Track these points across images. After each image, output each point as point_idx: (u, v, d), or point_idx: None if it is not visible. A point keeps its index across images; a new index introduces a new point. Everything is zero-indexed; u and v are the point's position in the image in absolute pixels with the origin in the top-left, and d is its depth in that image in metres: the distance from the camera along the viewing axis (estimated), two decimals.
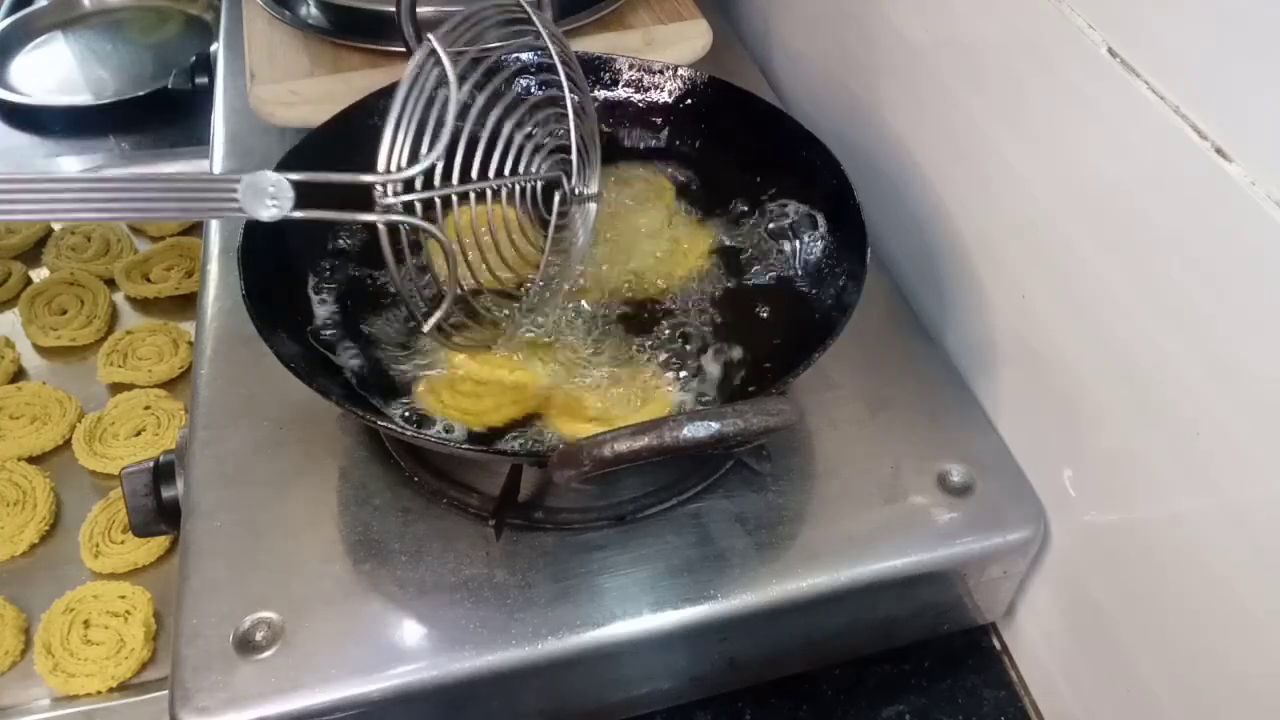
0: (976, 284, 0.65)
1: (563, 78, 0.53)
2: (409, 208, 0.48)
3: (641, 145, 0.73)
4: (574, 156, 0.54)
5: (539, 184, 0.54)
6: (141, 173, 0.48)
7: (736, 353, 0.60)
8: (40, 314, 0.92)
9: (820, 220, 0.66)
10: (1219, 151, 0.43)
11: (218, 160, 0.84)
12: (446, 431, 0.55)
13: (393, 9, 0.68)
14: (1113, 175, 0.50)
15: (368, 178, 0.47)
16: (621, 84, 0.74)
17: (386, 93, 0.68)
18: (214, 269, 0.73)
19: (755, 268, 0.65)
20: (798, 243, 0.66)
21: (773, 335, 0.61)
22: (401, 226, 0.48)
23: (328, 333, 0.60)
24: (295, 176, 0.46)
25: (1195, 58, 0.44)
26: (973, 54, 0.62)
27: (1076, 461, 0.58)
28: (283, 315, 0.57)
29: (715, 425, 0.44)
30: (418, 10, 0.69)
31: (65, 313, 0.93)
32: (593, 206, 0.56)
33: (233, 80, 0.90)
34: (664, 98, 0.74)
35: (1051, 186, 0.56)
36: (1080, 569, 0.59)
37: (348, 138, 0.65)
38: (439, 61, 0.48)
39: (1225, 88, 0.43)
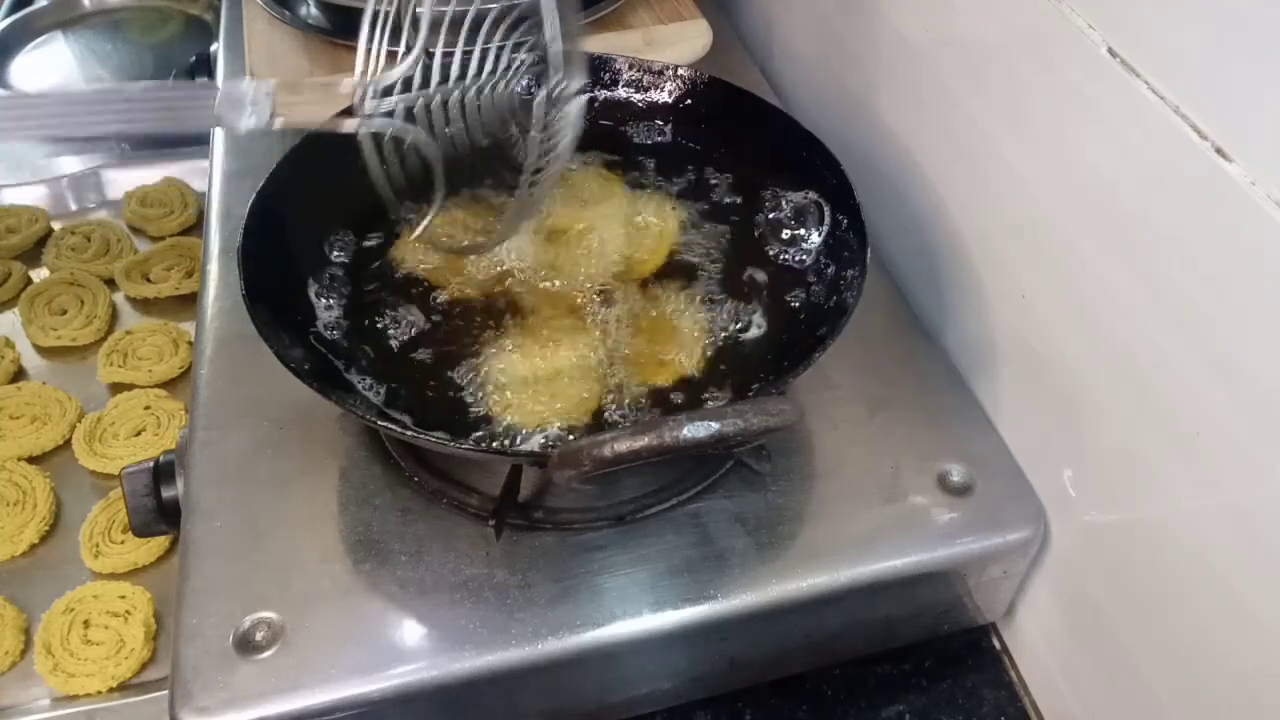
0: (976, 284, 0.65)
1: None
2: (391, 114, 0.46)
3: (641, 144, 0.73)
4: (552, 43, 0.50)
5: (522, 82, 0.51)
6: (118, 86, 0.48)
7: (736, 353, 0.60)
8: (40, 314, 0.92)
9: (820, 220, 0.66)
10: (1219, 151, 0.43)
11: (218, 160, 0.84)
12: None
13: None
14: (1113, 175, 0.50)
15: (343, 79, 0.46)
16: (621, 84, 0.74)
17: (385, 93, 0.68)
18: (214, 269, 0.73)
19: (754, 268, 0.65)
20: (797, 243, 0.66)
21: (772, 335, 0.61)
22: (383, 133, 0.47)
23: (328, 332, 0.60)
24: (274, 83, 0.45)
25: (1195, 58, 0.44)
26: (973, 54, 0.62)
27: (1076, 461, 0.58)
28: (283, 315, 0.57)
29: (715, 425, 0.44)
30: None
31: (65, 313, 0.93)
32: (575, 107, 0.52)
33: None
34: (664, 98, 0.74)
35: (1051, 186, 0.56)
36: (1080, 569, 0.59)
37: (348, 137, 0.65)
38: None
39: (1225, 88, 0.43)
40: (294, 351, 0.55)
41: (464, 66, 0.49)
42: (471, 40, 0.49)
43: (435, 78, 0.47)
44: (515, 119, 0.52)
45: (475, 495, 0.59)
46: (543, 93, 0.50)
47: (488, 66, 0.49)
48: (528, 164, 0.51)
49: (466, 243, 0.54)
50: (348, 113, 0.47)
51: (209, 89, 0.44)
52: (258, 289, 0.54)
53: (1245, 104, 0.42)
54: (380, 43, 0.46)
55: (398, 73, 0.46)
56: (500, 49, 0.50)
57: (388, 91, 0.47)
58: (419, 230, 0.50)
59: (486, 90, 0.49)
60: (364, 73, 0.46)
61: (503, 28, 0.50)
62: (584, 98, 0.51)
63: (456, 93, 0.48)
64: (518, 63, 0.51)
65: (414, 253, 0.64)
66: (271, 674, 0.51)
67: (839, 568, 0.56)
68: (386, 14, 0.46)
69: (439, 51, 0.48)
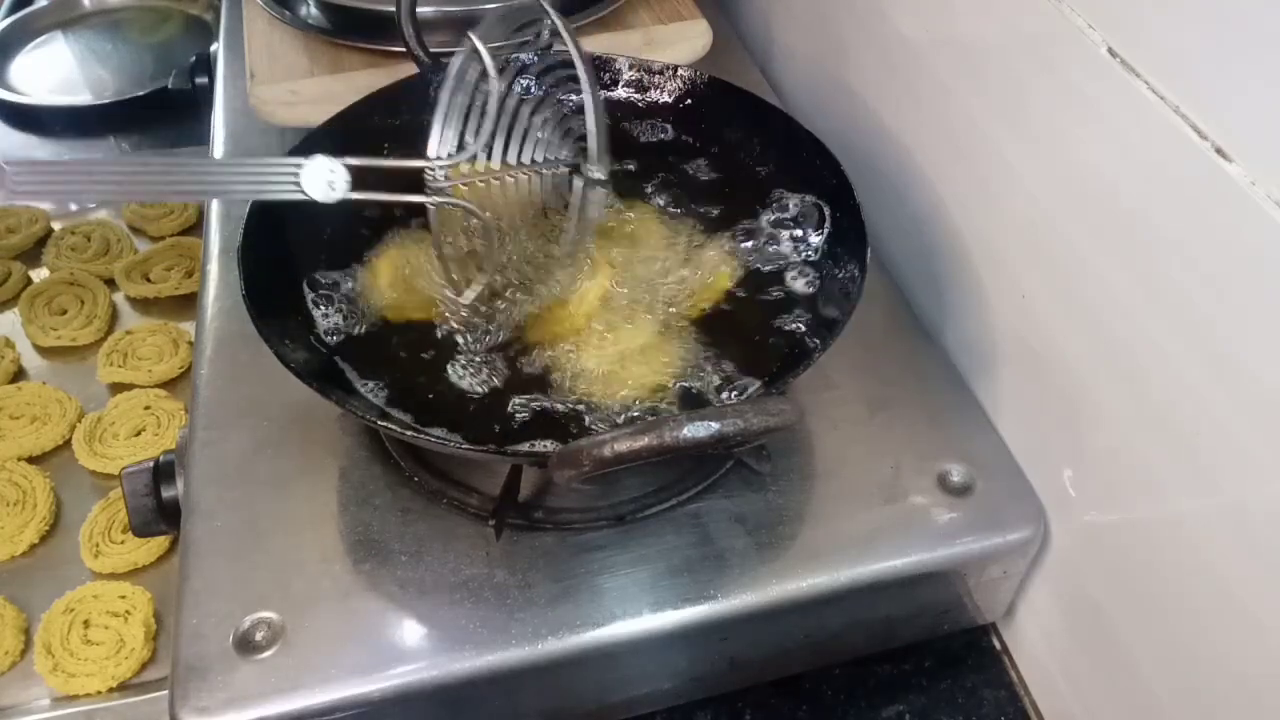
0: (976, 284, 0.65)
1: (583, 78, 0.57)
2: (454, 190, 0.52)
3: (641, 144, 0.73)
4: (591, 143, 0.59)
5: (563, 171, 0.58)
6: (213, 159, 0.54)
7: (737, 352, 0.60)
8: (40, 314, 0.92)
9: (820, 220, 0.66)
10: (1219, 151, 0.43)
11: None
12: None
13: (393, 9, 0.68)
14: (1113, 175, 0.50)
15: (419, 163, 0.52)
16: (621, 84, 0.75)
17: (386, 93, 0.69)
18: (214, 269, 0.73)
19: (755, 268, 0.65)
20: (797, 243, 0.66)
21: (772, 335, 0.61)
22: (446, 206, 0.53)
23: (328, 333, 0.60)
24: (353, 161, 0.50)
25: (1195, 58, 0.44)
26: (973, 54, 0.62)
27: (1076, 461, 0.58)
28: (282, 315, 0.57)
29: (715, 425, 0.44)
30: (418, 11, 0.69)
31: (65, 313, 0.93)
32: (602, 191, 0.61)
33: (233, 80, 0.90)
34: (664, 98, 0.74)
35: (1051, 186, 0.56)
36: (1080, 569, 0.59)
37: (347, 137, 0.65)
38: (479, 59, 0.53)
39: (1225, 88, 0.43)
40: (293, 351, 0.55)
41: (519, 150, 0.56)
42: (523, 127, 0.56)
43: (497, 157, 0.54)
44: (551, 202, 0.59)
45: (475, 495, 0.59)
46: (579, 181, 0.59)
47: (538, 151, 0.56)
48: (563, 248, 0.60)
49: (501, 317, 0.60)
50: (418, 187, 0.52)
51: (295, 163, 0.49)
52: (258, 289, 0.54)
53: (1245, 104, 0.42)
54: (452, 129, 0.52)
55: (466, 155, 0.52)
56: (549, 140, 0.57)
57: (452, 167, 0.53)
58: (469, 294, 0.56)
59: (535, 177, 0.56)
60: (435, 150, 0.52)
61: (552, 119, 0.58)
62: (607, 189, 0.61)
63: (510, 178, 0.55)
64: (560, 152, 0.58)
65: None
66: (271, 674, 0.51)
67: (839, 568, 0.56)
68: (461, 103, 0.53)
69: (500, 136, 0.54)
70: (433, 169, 0.52)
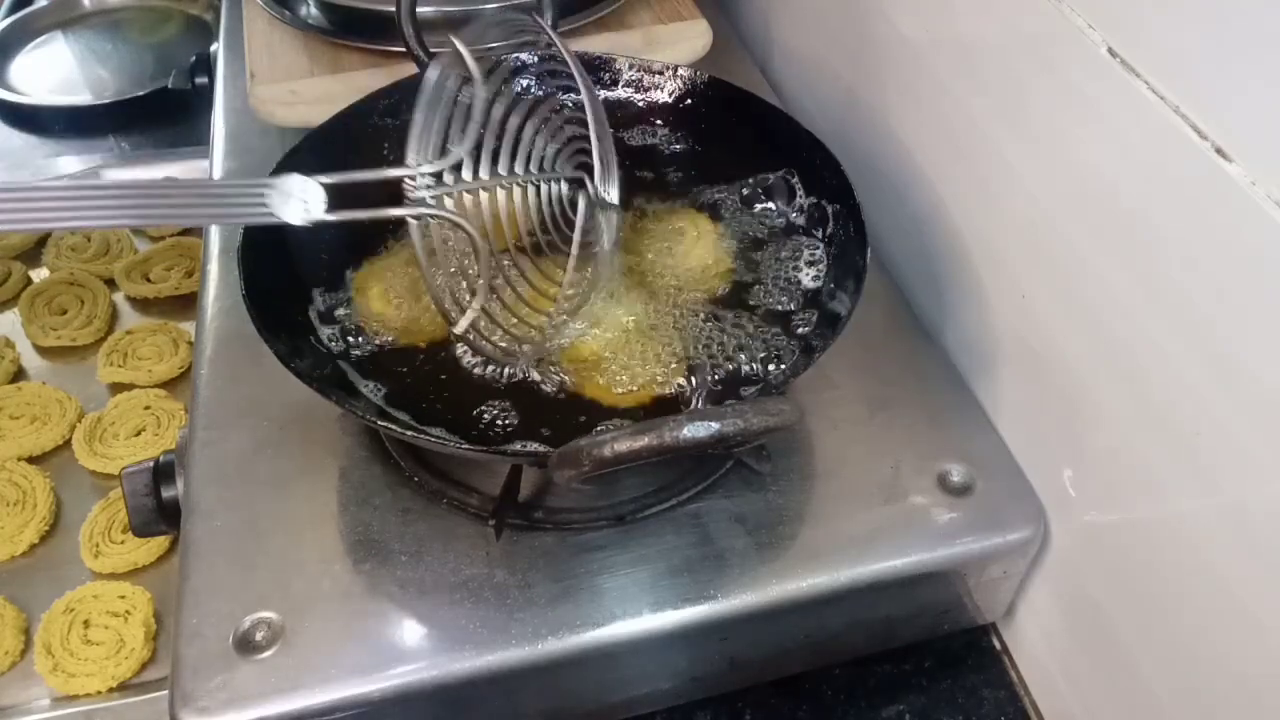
0: (976, 284, 0.65)
1: (582, 89, 0.53)
2: (439, 202, 0.48)
3: (641, 144, 0.73)
4: (596, 162, 0.54)
5: (564, 188, 0.54)
6: (172, 180, 0.49)
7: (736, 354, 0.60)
8: (40, 314, 0.92)
9: (820, 220, 0.66)
10: (1219, 151, 0.43)
11: (218, 160, 0.84)
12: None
13: (392, 9, 0.68)
14: (1113, 175, 0.50)
15: (396, 172, 0.47)
16: (621, 84, 0.74)
17: (386, 93, 0.69)
18: (214, 269, 0.73)
19: (753, 268, 0.65)
20: (797, 243, 0.66)
21: (772, 335, 0.61)
22: (431, 222, 0.48)
23: (328, 333, 0.60)
24: (324, 179, 0.46)
25: (1195, 58, 0.44)
26: (973, 54, 0.62)
27: (1076, 461, 0.58)
28: (283, 315, 0.57)
29: (715, 425, 0.43)
30: (418, 11, 0.69)
31: (65, 313, 0.93)
32: (614, 215, 0.56)
33: (233, 80, 0.90)
34: (664, 98, 0.74)
35: (1051, 186, 0.56)
36: (1080, 569, 0.59)
37: (347, 138, 0.65)
38: (462, 61, 0.48)
39: (1225, 88, 0.43)
40: (293, 351, 0.55)
41: (511, 160, 0.51)
42: (517, 134, 0.51)
43: (485, 167, 0.49)
44: (555, 221, 0.54)
45: (475, 495, 0.59)
46: (584, 198, 0.53)
47: (534, 163, 0.51)
48: (568, 277, 0.53)
49: (504, 346, 0.54)
50: (397, 200, 0.48)
51: (261, 184, 0.45)
52: (258, 289, 0.54)
53: (1245, 104, 0.42)
54: (432, 133, 0.47)
55: (448, 161, 0.47)
56: (545, 147, 0.52)
57: (436, 178, 0.48)
58: (462, 324, 0.50)
59: (530, 187, 0.51)
60: (414, 160, 0.47)
61: (547, 125, 0.52)
62: (619, 215, 0.54)
63: (501, 188, 0.50)
64: (560, 161, 0.53)
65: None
66: (271, 674, 0.51)
67: (839, 568, 0.56)
68: (444, 103, 0.48)
69: (488, 143, 0.49)
70: (413, 179, 0.47)
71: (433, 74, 0.49)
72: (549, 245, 0.54)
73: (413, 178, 0.47)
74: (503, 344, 0.54)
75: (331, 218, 0.46)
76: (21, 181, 0.44)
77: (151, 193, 0.45)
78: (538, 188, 0.52)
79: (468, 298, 0.51)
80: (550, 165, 0.53)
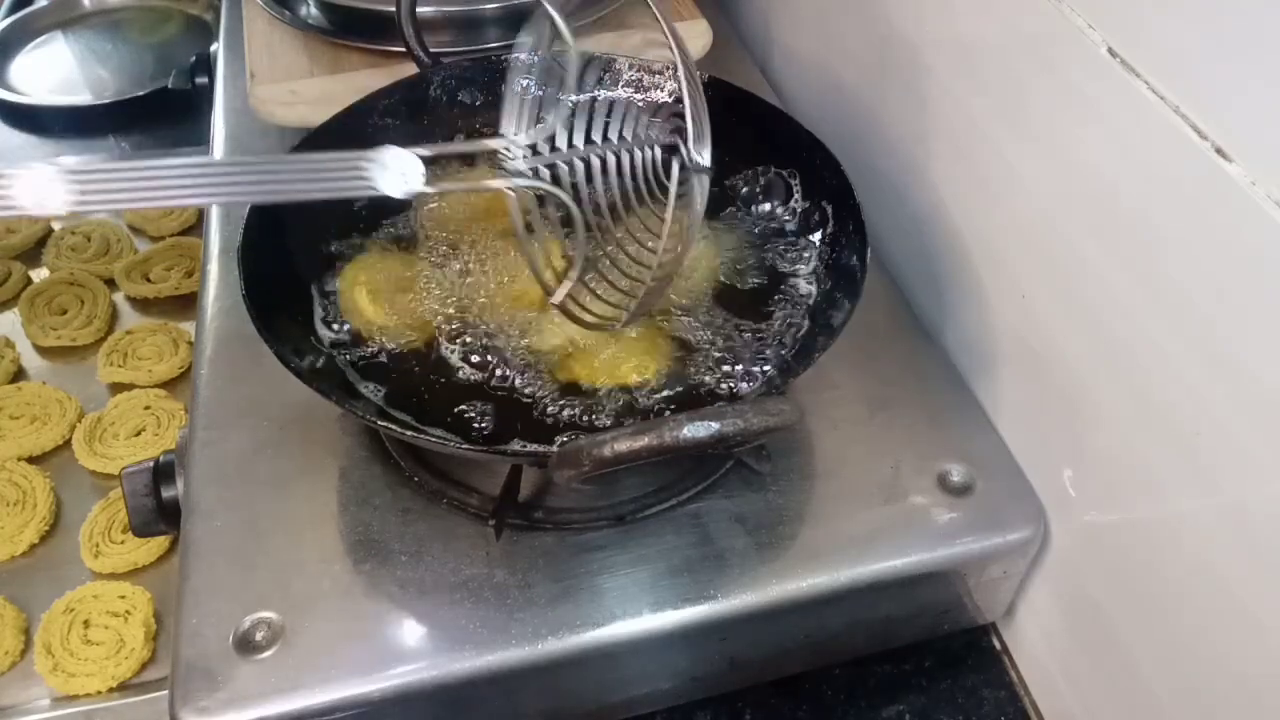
0: (976, 284, 0.65)
1: (674, 48, 0.51)
2: (535, 174, 0.47)
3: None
4: (689, 123, 0.52)
5: (657, 153, 0.53)
6: (278, 155, 0.49)
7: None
8: (40, 314, 0.92)
9: (820, 220, 0.66)
10: (1219, 151, 0.43)
11: None
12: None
13: (392, 9, 0.68)
14: (1113, 175, 0.50)
15: (493, 143, 0.47)
16: (621, 84, 0.74)
17: (386, 93, 0.69)
18: (214, 269, 0.73)
19: (754, 268, 0.65)
20: (797, 243, 0.66)
21: (772, 334, 0.61)
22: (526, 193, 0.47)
23: (328, 333, 0.60)
24: (422, 151, 0.46)
25: (1195, 58, 0.44)
26: (973, 54, 0.62)
27: (1076, 461, 0.58)
28: (283, 315, 0.57)
29: (715, 425, 0.44)
30: (418, 11, 0.69)
31: (65, 313, 0.93)
32: (706, 179, 0.55)
33: (233, 80, 0.90)
34: (664, 98, 0.74)
35: (1051, 186, 0.56)
36: (1080, 569, 0.59)
37: (347, 137, 0.65)
38: (553, 26, 0.47)
39: (1225, 88, 0.43)
40: (293, 351, 0.55)
41: (605, 131, 0.50)
42: (611, 108, 0.50)
43: (581, 138, 0.48)
44: (649, 189, 0.53)
45: (475, 495, 0.59)
46: (676, 164, 0.52)
47: (628, 132, 0.51)
48: (663, 244, 0.51)
49: (594, 319, 0.53)
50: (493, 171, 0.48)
51: (365, 157, 0.46)
52: (258, 289, 0.54)
53: (1245, 104, 0.42)
54: (526, 103, 0.47)
55: (544, 132, 0.47)
56: (638, 118, 0.51)
57: (532, 150, 0.48)
58: (559, 294, 0.50)
59: (625, 156, 0.50)
60: (509, 130, 0.47)
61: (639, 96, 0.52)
62: (709, 176, 0.53)
63: (596, 156, 0.49)
64: (654, 132, 0.52)
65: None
66: (271, 674, 0.51)
67: (839, 568, 0.56)
68: (532, 71, 0.48)
69: (580, 114, 0.49)
70: (508, 148, 0.47)
71: (525, 41, 0.48)
72: (641, 213, 0.54)
73: (508, 149, 0.47)
74: (597, 311, 0.54)
75: (431, 189, 0.47)
76: (133, 160, 0.45)
77: (260, 169, 0.45)
78: (630, 155, 0.51)
79: (555, 268, 0.51)
80: (643, 132, 0.52)
